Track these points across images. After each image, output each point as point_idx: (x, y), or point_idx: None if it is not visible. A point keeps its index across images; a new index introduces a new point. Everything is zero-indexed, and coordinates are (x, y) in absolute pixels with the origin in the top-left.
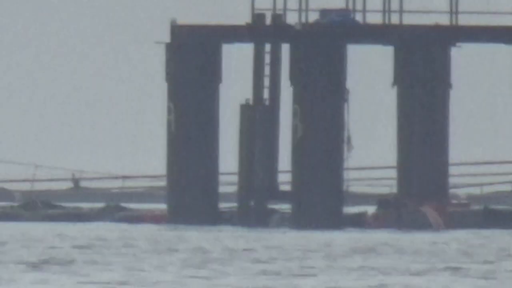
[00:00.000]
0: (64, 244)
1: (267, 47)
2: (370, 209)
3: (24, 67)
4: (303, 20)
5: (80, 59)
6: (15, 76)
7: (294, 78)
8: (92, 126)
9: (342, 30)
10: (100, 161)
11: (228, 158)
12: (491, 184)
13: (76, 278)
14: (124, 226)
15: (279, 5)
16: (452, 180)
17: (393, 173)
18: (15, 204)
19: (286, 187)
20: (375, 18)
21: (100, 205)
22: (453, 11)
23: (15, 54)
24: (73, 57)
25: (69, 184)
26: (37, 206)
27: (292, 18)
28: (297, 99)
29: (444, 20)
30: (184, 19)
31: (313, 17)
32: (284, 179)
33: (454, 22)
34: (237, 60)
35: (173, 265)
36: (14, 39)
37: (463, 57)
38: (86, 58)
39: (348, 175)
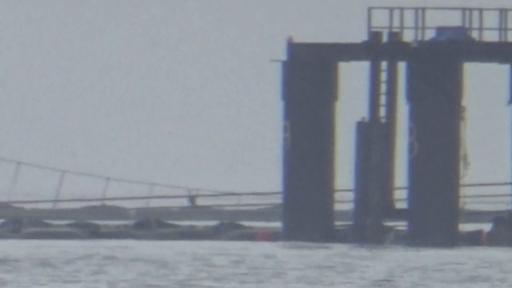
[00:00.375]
0: (180, 262)
1: (384, 65)
2: (486, 227)
3: (142, 93)
4: (420, 37)
5: (195, 78)
6: (131, 98)
7: (410, 96)
8: (207, 145)
9: (459, 47)
10: (215, 179)
11: (344, 175)
12: None
13: None
14: (239, 244)
15: (396, 23)
16: None
17: (509, 190)
18: (130, 221)
19: (402, 205)
20: (491, 36)
21: (215, 223)
22: None
23: (133, 83)
24: (188, 76)
25: (184, 202)
26: (151, 225)
27: (408, 36)
28: (413, 116)
29: None
30: (301, 37)
31: (429, 34)
32: (400, 197)
33: None
34: (353, 78)
35: (290, 283)
36: (129, 68)
37: None
38: (202, 77)
39: (464, 192)
